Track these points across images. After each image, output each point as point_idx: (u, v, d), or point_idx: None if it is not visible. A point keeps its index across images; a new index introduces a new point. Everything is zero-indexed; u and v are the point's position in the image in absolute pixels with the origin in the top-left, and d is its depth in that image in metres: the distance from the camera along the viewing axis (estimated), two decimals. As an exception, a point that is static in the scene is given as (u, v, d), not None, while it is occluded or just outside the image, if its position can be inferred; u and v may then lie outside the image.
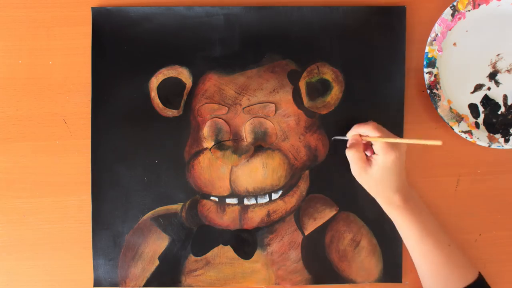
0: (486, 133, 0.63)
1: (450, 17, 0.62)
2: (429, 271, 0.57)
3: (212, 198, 0.64)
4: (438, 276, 0.57)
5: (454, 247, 0.58)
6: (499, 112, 0.64)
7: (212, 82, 0.63)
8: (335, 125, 0.64)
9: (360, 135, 0.58)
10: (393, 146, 0.55)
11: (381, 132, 0.57)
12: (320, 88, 0.64)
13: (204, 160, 0.64)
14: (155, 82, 0.63)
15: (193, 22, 0.63)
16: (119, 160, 0.64)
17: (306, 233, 0.64)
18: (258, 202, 0.64)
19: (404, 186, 0.58)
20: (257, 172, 0.64)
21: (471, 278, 0.56)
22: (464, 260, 0.58)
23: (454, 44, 0.63)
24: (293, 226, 0.64)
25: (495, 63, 0.63)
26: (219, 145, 0.63)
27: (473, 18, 0.63)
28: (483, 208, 0.66)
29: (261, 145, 0.64)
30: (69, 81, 0.64)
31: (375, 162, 0.56)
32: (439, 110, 0.62)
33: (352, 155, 0.58)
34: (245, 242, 0.64)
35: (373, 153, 0.57)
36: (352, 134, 0.59)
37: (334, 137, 0.63)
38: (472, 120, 0.64)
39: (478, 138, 0.63)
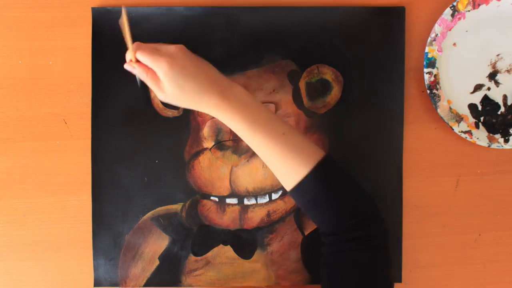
0: (486, 133, 0.63)
1: (450, 17, 0.62)
2: (270, 163, 0.54)
3: (212, 198, 0.64)
4: (278, 166, 0.53)
5: (291, 135, 0.53)
6: (498, 112, 0.64)
7: (212, 82, 0.63)
8: (335, 125, 0.64)
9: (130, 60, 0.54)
10: (159, 54, 0.52)
11: (140, 48, 0.52)
12: (320, 88, 0.64)
13: (204, 160, 0.64)
14: (155, 82, 0.63)
15: (193, 23, 0.63)
16: (119, 160, 0.64)
17: (306, 233, 0.64)
18: (258, 202, 0.64)
19: (212, 83, 0.53)
20: (257, 172, 0.64)
21: (314, 160, 0.52)
22: (305, 145, 0.53)
23: (454, 44, 0.63)
24: (293, 226, 0.64)
25: (495, 63, 0.63)
26: (219, 145, 0.63)
27: (473, 18, 0.63)
28: (483, 208, 0.66)
29: (261, 145, 0.64)
30: (69, 81, 0.64)
31: (160, 77, 0.52)
32: (439, 110, 0.63)
33: (146, 82, 0.54)
34: (245, 242, 0.64)
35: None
36: (128, 58, 0.55)
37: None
38: (472, 120, 0.64)
39: (478, 138, 0.63)
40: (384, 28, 0.64)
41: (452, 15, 0.62)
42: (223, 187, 0.64)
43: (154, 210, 0.64)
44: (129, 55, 0.54)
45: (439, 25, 0.62)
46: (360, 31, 0.64)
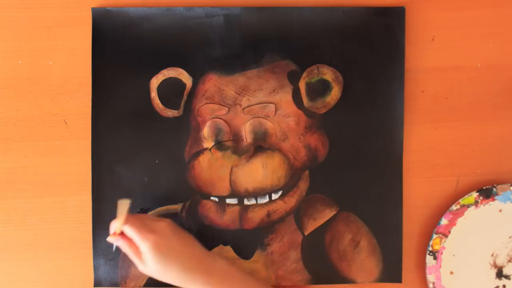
0: None
1: (433, 261, 0.64)
2: None
3: (212, 198, 0.64)
4: None
5: None
6: None
7: (212, 82, 0.63)
8: (335, 125, 0.64)
9: (114, 233, 0.55)
10: (147, 232, 0.52)
11: (129, 222, 0.53)
12: (320, 89, 0.64)
13: (204, 160, 0.64)
14: (155, 82, 0.63)
15: (193, 23, 0.63)
16: (119, 160, 0.64)
17: (306, 233, 0.64)
18: (258, 202, 0.64)
19: (197, 261, 0.55)
20: (257, 172, 0.64)
21: None
22: None
23: (451, 272, 0.64)
24: (293, 226, 0.64)
25: (495, 262, 0.64)
26: (219, 145, 0.63)
27: (454, 241, 0.64)
28: (482, 208, 0.66)
29: (261, 145, 0.64)
30: (69, 81, 0.64)
31: (143, 255, 0.53)
32: None
33: (128, 254, 0.55)
34: (245, 242, 0.64)
35: None
36: (112, 231, 0.56)
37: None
38: None
39: None
40: (384, 28, 0.64)
41: (435, 258, 0.63)
42: (223, 187, 0.64)
43: (154, 210, 0.64)
44: (114, 227, 0.55)
45: (429, 274, 0.64)
46: (360, 31, 0.64)
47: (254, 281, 0.58)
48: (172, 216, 0.64)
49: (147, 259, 0.53)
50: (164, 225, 0.55)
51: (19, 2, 0.64)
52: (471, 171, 0.66)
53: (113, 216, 0.63)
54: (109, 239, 0.55)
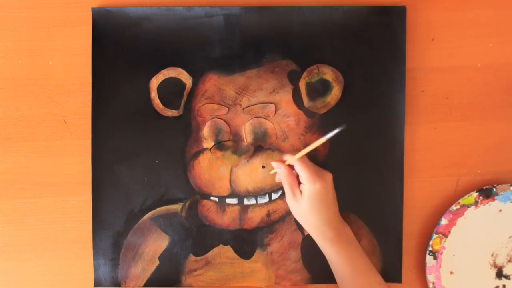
0: None
1: (433, 261, 0.64)
2: None
3: (212, 198, 0.64)
4: None
5: (384, 287, 0.58)
6: None
7: (212, 82, 0.63)
8: (335, 125, 0.64)
9: (284, 161, 0.58)
10: (317, 176, 0.56)
11: (303, 161, 0.56)
12: (320, 88, 0.64)
13: (204, 160, 0.64)
14: (155, 82, 0.63)
15: (193, 23, 0.63)
16: (119, 160, 0.64)
17: (306, 233, 0.64)
18: (258, 202, 0.64)
19: (335, 219, 0.58)
20: (257, 172, 0.64)
21: None
22: None
23: (451, 272, 0.64)
24: (293, 226, 0.64)
25: (495, 262, 0.64)
26: (219, 145, 0.63)
27: (455, 244, 0.64)
28: (482, 208, 0.66)
29: (261, 145, 0.64)
30: (69, 81, 0.64)
31: (303, 192, 0.56)
32: None
33: (285, 181, 0.58)
34: (245, 242, 0.64)
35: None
36: (277, 162, 0.59)
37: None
38: None
39: None
40: (385, 28, 0.64)
41: (435, 258, 0.63)
42: (223, 187, 0.64)
43: (154, 210, 0.64)
44: (286, 157, 0.58)
45: (429, 274, 0.63)
46: (360, 31, 0.64)
47: (368, 260, 0.59)
48: (172, 216, 0.64)
49: (304, 198, 0.56)
50: (331, 177, 0.57)
51: (19, 2, 0.64)
52: (471, 171, 0.66)
53: (113, 216, 0.63)
54: (274, 164, 0.58)
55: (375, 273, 0.58)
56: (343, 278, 0.58)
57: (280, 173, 0.59)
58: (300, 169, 0.56)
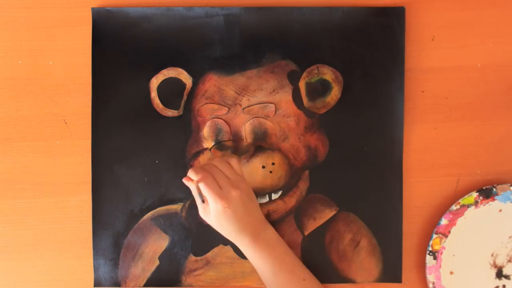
0: None
1: (433, 261, 0.64)
2: None
3: (212, 198, 0.64)
4: None
5: (311, 282, 0.59)
6: None
7: (212, 82, 0.63)
8: (334, 125, 0.64)
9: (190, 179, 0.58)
10: (219, 196, 0.55)
11: (204, 174, 0.56)
12: (320, 89, 0.64)
13: (204, 160, 0.64)
14: (155, 82, 0.63)
15: (193, 23, 0.63)
16: (119, 160, 0.64)
17: (306, 233, 0.64)
18: (258, 202, 0.64)
19: (250, 226, 0.57)
20: (257, 172, 0.64)
21: None
22: None
23: (451, 272, 0.64)
24: (293, 226, 0.64)
25: (495, 262, 0.64)
26: (219, 145, 0.63)
27: (455, 244, 0.64)
28: (482, 208, 0.66)
29: (261, 145, 0.64)
30: (69, 81, 0.64)
31: (210, 210, 0.56)
32: None
33: (195, 195, 0.58)
34: (245, 242, 0.64)
35: None
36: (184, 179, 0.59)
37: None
38: None
39: None
40: (384, 28, 0.64)
41: (435, 258, 0.63)
42: (223, 187, 0.64)
43: (154, 210, 0.64)
44: (192, 175, 0.57)
45: (429, 274, 0.63)
46: (360, 31, 0.64)
47: (293, 257, 0.60)
48: (172, 216, 0.64)
49: (211, 214, 0.57)
50: (237, 196, 0.56)
51: (19, 2, 0.64)
52: (471, 171, 0.66)
53: (113, 216, 0.63)
54: (185, 180, 0.58)
55: (300, 269, 0.59)
56: (265, 279, 0.58)
57: (192, 189, 0.58)
58: (202, 189, 0.56)
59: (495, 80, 0.65)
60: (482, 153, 0.65)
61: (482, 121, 0.65)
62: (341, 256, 0.64)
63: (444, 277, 0.64)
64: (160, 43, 0.63)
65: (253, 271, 0.64)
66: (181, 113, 0.64)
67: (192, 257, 0.64)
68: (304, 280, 0.58)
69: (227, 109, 0.63)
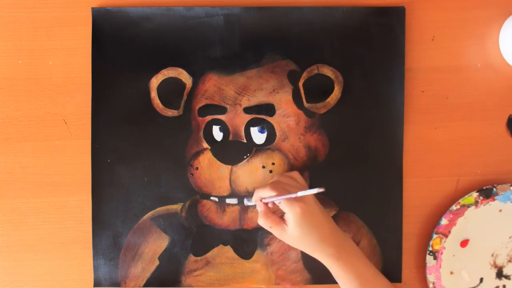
0: None
1: (433, 261, 0.63)
2: None
3: (212, 198, 0.64)
4: None
5: None
6: None
7: (212, 82, 0.63)
8: (335, 125, 0.64)
9: (261, 199, 0.57)
10: (294, 200, 0.54)
11: (277, 188, 0.55)
12: (320, 88, 0.64)
13: (204, 160, 0.64)
14: (155, 82, 0.63)
15: (193, 23, 0.63)
16: (119, 160, 0.64)
17: (306, 233, 0.64)
18: (258, 202, 0.64)
19: (332, 234, 0.56)
20: (257, 172, 0.64)
21: None
22: None
23: (451, 272, 0.64)
24: (293, 226, 0.64)
25: (495, 262, 0.64)
26: (219, 145, 0.63)
27: (454, 247, 0.64)
28: (483, 208, 0.66)
29: (261, 145, 0.64)
30: (69, 81, 0.64)
31: (288, 221, 0.55)
32: None
33: (263, 223, 0.56)
34: (245, 242, 0.64)
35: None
36: (254, 199, 0.58)
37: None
38: None
39: None
40: (384, 28, 0.64)
41: (435, 258, 0.63)
42: (223, 187, 0.64)
43: (154, 210, 0.64)
44: (260, 193, 0.57)
45: (429, 274, 0.63)
46: (360, 31, 0.64)
47: (374, 269, 0.58)
48: (172, 216, 0.64)
49: (291, 225, 0.54)
50: (312, 199, 0.56)
51: (19, 2, 0.64)
52: (471, 171, 0.66)
53: (113, 216, 0.63)
54: (251, 203, 0.59)
55: (381, 278, 0.58)
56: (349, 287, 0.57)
57: (260, 211, 0.57)
58: (276, 200, 0.55)
59: (495, 80, 0.65)
60: (482, 153, 0.65)
61: (482, 121, 0.65)
62: (341, 256, 0.64)
63: (444, 277, 0.64)
64: (160, 43, 0.63)
65: (253, 271, 0.64)
66: (181, 113, 0.64)
67: (192, 257, 0.64)
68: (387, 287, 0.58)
69: (227, 109, 0.63)
